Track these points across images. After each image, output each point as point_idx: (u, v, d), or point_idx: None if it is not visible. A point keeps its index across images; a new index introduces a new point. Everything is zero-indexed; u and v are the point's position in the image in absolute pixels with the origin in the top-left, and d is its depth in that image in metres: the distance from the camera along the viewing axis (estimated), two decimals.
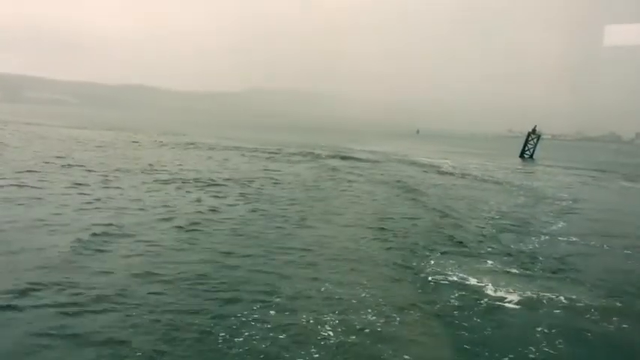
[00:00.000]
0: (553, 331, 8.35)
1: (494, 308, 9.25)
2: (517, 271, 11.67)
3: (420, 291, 10.01)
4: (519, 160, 61.64)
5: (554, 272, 11.81)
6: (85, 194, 17.50)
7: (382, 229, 15.43)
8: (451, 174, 35.84)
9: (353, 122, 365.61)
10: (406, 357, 7.16)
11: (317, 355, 7.00)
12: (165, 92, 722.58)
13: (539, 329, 8.40)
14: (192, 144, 47.60)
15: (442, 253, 12.74)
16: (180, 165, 29.40)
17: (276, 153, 43.74)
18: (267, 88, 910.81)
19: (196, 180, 23.10)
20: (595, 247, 14.94)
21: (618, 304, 9.92)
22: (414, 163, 43.55)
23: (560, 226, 18.00)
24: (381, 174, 32.30)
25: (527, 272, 11.66)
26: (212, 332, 7.49)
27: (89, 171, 23.41)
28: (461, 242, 14.05)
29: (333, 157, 43.95)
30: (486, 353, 7.45)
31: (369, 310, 8.67)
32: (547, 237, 15.75)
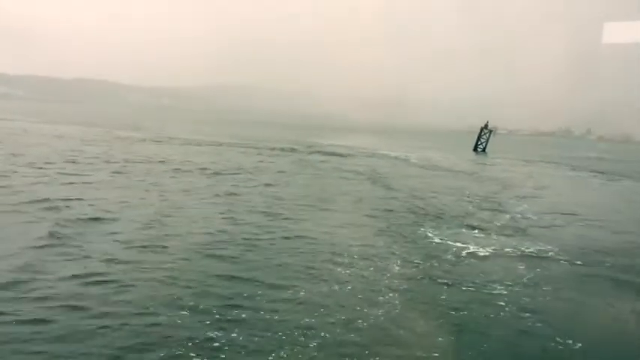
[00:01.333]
0: (510, 267, 11.99)
1: (468, 257, 12.85)
2: (487, 236, 15.55)
3: (411, 247, 13.43)
4: (473, 153, 66.12)
5: (515, 236, 15.77)
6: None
7: (378, 209, 18.92)
8: (421, 167, 39.71)
9: (316, 118, 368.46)
10: (403, 287, 10.47)
11: (339, 280, 10.20)
12: (124, 87, 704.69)
13: (500, 268, 12.00)
14: (170, 139, 49.66)
15: (430, 226, 16.36)
16: (176, 158, 31.93)
17: (256, 148, 46.55)
18: (231, 83, 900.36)
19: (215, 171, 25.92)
20: (549, 220, 19.25)
21: (562, 254, 13.81)
22: (384, 157, 47.08)
23: (525, 207, 22.20)
24: (361, 166, 35.64)
25: (495, 236, 15.56)
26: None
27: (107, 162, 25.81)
28: (442, 218, 17.65)
29: (312, 152, 46.89)
30: (462, 286, 10.83)
31: (375, 259, 12.03)
32: (512, 214, 19.81)
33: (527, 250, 13.97)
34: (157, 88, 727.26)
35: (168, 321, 7.88)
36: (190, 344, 7.24)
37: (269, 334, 7.68)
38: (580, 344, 8.09)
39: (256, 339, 7.54)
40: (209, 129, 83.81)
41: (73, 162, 26.05)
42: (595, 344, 8.29)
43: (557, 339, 8.23)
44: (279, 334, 7.71)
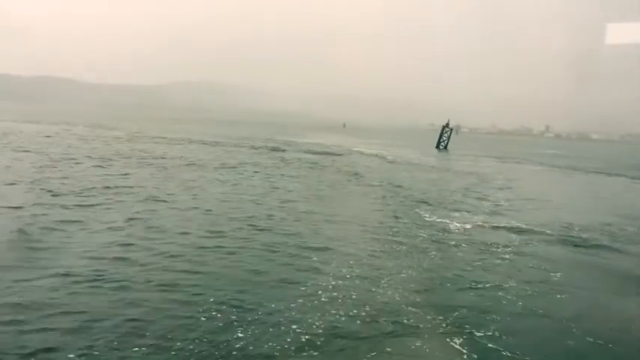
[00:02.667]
0: (489, 237, 14.66)
1: (456, 232, 15.32)
2: (471, 216, 18.23)
3: (412, 224, 16.04)
4: (436, 150, 68.78)
5: (494, 215, 18.60)
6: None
7: (375, 199, 21.46)
8: (399, 163, 42.41)
9: (281, 116, 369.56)
10: (411, 251, 12.74)
11: (350, 249, 12.28)
12: (83, 84, 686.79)
13: (483, 239, 14.55)
14: (137, 137, 50.76)
15: (423, 210, 18.95)
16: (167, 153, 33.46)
17: (236, 146, 48.21)
18: (191, 80, 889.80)
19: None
20: (522, 204, 22.49)
21: (533, 227, 16.66)
22: (361, 154, 49.51)
23: (499, 194, 25.31)
24: (345, 165, 37.69)
25: (477, 216, 18.29)
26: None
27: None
28: (430, 204, 20.21)
29: (297, 150, 48.73)
30: (452, 251, 13.25)
31: (384, 230, 14.29)
32: (492, 200, 22.94)
33: (506, 224, 16.97)
34: (119, 86, 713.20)
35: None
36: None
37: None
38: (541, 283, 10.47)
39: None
40: (179, 127, 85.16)
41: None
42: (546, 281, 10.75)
43: (527, 283, 10.84)
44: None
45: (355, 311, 8.44)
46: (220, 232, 13.32)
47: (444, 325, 8.14)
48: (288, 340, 7.27)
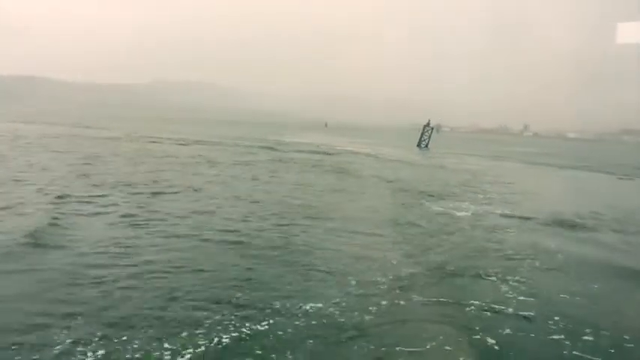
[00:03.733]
0: (486, 221, 17.21)
1: (458, 217, 17.90)
2: (471, 204, 20.88)
3: (421, 213, 18.53)
4: (417, 149, 70.69)
5: (490, 204, 21.23)
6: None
7: (381, 193, 23.86)
8: (393, 161, 44.91)
9: (264, 115, 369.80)
10: (421, 233, 15.28)
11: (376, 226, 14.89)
12: (63, 84, 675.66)
13: (474, 224, 17.05)
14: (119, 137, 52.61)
15: (428, 201, 21.47)
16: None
17: (230, 145, 50.41)
18: (173, 80, 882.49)
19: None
20: (516, 196, 25.14)
21: (527, 214, 19.18)
22: (355, 154, 51.79)
23: (496, 187, 28.31)
24: (336, 163, 39.98)
25: (475, 205, 20.97)
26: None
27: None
28: (434, 196, 22.91)
29: (289, 150, 50.83)
30: (451, 232, 15.68)
31: (396, 218, 16.84)
32: (489, 192, 25.71)
33: (504, 212, 19.67)
34: (99, 85, 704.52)
35: None
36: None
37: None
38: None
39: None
40: (173, 127, 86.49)
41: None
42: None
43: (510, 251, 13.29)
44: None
45: (382, 279, 10.50)
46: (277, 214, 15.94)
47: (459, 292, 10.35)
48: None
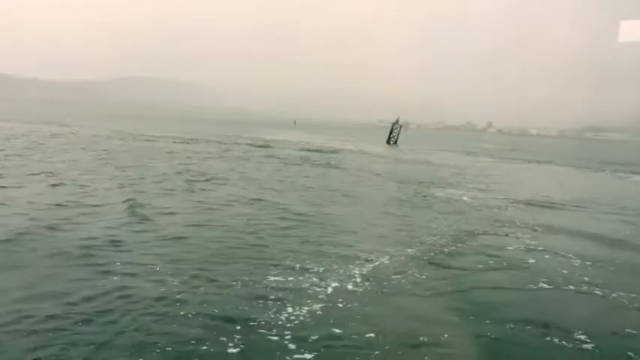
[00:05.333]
0: (480, 204, 20.15)
1: (456, 200, 20.89)
2: (467, 191, 24.38)
3: (424, 197, 21.77)
4: (387, 145, 72.85)
5: (484, 191, 24.78)
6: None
7: (382, 183, 27.22)
8: (379, 157, 47.53)
9: (229, 112, 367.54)
10: (428, 214, 18.05)
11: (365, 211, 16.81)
12: (15, 80, 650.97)
13: (478, 205, 20.08)
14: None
15: (428, 188, 24.86)
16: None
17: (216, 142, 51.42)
18: (133, 76, 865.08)
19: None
20: (498, 185, 28.66)
21: (511, 198, 22.60)
22: (336, 150, 53.62)
23: (480, 178, 31.71)
24: (317, 159, 41.86)
25: (471, 192, 24.47)
26: None
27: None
28: (435, 185, 26.30)
29: (263, 146, 52.14)
30: (467, 210, 18.61)
31: (404, 203, 19.56)
32: (475, 182, 29.06)
33: (499, 197, 23.11)
34: (60, 82, 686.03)
35: None
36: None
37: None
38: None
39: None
40: (146, 125, 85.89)
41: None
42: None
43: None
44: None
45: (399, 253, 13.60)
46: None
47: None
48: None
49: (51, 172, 20.58)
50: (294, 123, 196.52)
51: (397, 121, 77.67)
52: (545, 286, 10.14)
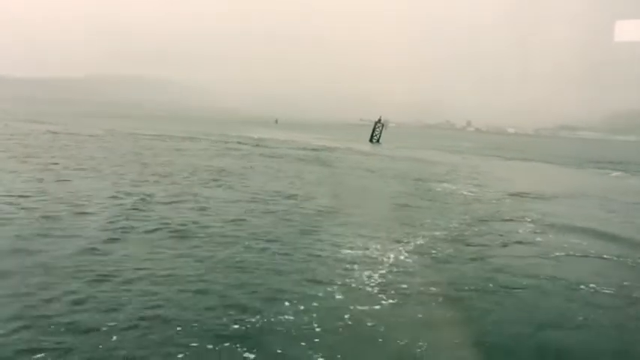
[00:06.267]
0: (479, 197, 21.73)
1: (458, 194, 23.13)
2: (464, 186, 26.47)
3: (425, 191, 23.57)
4: (370, 144, 74.72)
5: (480, 186, 27.04)
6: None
7: (391, 179, 28.97)
8: (366, 154, 49.01)
9: (210, 111, 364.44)
10: (431, 202, 19.77)
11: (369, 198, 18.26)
12: None
13: (478, 197, 21.91)
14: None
15: (428, 182, 27.00)
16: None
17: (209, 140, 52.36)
18: (111, 73, 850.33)
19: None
20: (492, 180, 30.86)
21: (500, 191, 24.37)
22: (327, 149, 54.99)
23: (472, 175, 33.96)
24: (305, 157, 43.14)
25: (468, 186, 26.55)
26: None
27: None
28: (434, 181, 28.26)
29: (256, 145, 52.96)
30: (471, 202, 20.45)
31: (410, 192, 21.04)
32: (469, 178, 31.23)
33: (495, 190, 25.48)
34: (33, 80, 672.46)
35: None
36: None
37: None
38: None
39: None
40: (136, 124, 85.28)
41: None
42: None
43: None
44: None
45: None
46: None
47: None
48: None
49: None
50: (276, 122, 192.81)
51: (380, 120, 79.55)
52: (558, 253, 13.25)
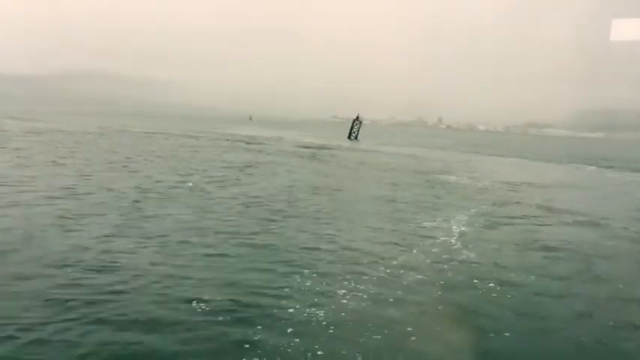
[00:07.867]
0: (481, 186, 25.56)
1: (462, 184, 26.09)
2: (463, 177, 29.54)
3: (433, 182, 26.32)
4: (349, 140, 75.53)
5: (477, 178, 29.83)
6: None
7: (393, 172, 31.61)
8: (364, 151, 51.55)
9: (183, 108, 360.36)
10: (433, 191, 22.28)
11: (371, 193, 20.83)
12: None
13: (480, 187, 25.21)
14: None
15: (429, 174, 30.14)
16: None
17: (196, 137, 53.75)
18: (79, 71, 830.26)
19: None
20: (485, 173, 33.63)
21: (495, 183, 27.33)
22: (316, 146, 56.96)
23: (466, 168, 37.25)
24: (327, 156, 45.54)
25: (466, 178, 29.60)
26: None
27: None
28: (435, 174, 30.94)
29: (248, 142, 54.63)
30: (472, 192, 23.21)
31: (412, 184, 23.76)
32: (464, 170, 34.37)
33: (491, 180, 28.53)
34: (28, 76, 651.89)
35: None
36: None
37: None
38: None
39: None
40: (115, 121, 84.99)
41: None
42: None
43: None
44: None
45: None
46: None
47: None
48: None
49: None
50: (251, 119, 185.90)
51: (357, 118, 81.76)
52: (570, 221, 17.45)
